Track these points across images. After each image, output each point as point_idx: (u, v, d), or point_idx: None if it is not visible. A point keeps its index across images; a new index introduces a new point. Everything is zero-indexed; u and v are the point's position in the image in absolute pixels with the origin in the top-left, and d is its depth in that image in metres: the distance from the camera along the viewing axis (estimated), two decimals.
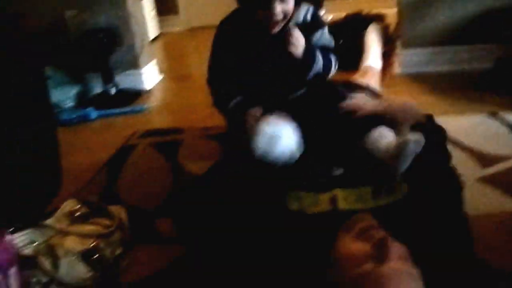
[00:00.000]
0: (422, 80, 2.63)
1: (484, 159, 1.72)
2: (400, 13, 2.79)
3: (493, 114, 2.05)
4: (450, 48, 2.70)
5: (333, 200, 1.24)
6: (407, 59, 2.76)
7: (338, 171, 1.32)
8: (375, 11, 3.12)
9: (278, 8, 1.40)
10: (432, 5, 2.65)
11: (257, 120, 1.42)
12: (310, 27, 1.56)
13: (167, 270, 1.35)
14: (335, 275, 0.94)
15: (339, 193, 1.26)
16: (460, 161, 1.68)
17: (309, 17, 1.56)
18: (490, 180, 1.58)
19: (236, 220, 1.29)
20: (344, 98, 1.55)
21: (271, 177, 1.35)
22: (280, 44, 1.48)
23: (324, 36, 1.61)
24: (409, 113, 1.45)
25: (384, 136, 1.33)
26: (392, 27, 3.08)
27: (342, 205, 1.24)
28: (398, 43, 2.83)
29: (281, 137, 1.35)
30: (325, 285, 0.97)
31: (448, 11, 2.64)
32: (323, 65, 1.57)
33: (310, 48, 1.52)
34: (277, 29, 1.47)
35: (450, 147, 1.80)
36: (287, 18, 1.46)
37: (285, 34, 1.47)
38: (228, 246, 1.24)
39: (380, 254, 0.89)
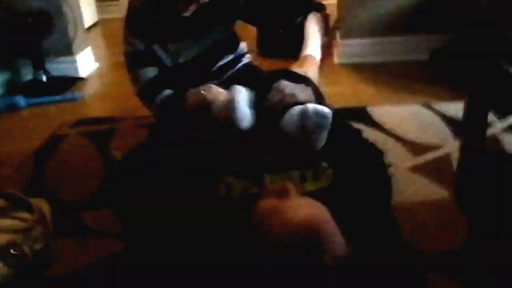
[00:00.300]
0: (360, 70, 2.65)
1: (416, 148, 1.74)
2: (340, 3, 2.80)
3: (427, 105, 2.09)
4: (387, 38, 2.73)
5: (261, 183, 1.23)
6: (345, 49, 2.77)
7: (266, 158, 1.31)
8: (315, 0, 3.13)
9: None
10: None
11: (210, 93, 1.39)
12: None
13: (95, 265, 1.30)
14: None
15: (267, 177, 1.25)
16: (392, 150, 1.71)
17: None
18: (420, 169, 1.60)
19: (167, 206, 1.26)
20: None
21: (201, 163, 1.32)
22: (194, 23, 1.43)
23: None
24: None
25: (293, 114, 1.34)
26: (331, 18, 3.11)
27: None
28: (338, 34, 2.84)
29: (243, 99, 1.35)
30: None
31: (386, 2, 2.66)
32: None
33: None
34: (188, 12, 1.42)
35: (383, 136, 1.84)
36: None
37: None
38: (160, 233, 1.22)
39: (280, 191, 1.00)
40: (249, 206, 1.15)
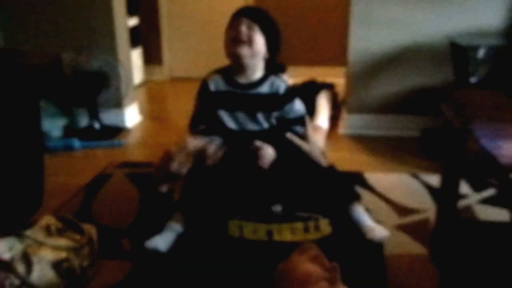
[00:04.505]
0: (361, 141, 2.79)
1: (401, 210, 1.86)
2: (347, 84, 2.97)
3: (414, 175, 2.21)
4: (386, 116, 2.87)
5: (269, 233, 1.34)
6: (349, 122, 2.92)
7: (278, 208, 1.42)
8: (327, 80, 3.32)
9: (244, 28, 1.48)
10: (374, 79, 2.83)
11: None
12: (282, 100, 1.62)
13: (126, 281, 1.43)
14: None
15: (274, 227, 1.36)
16: (381, 210, 1.82)
17: (281, 90, 1.61)
18: (403, 228, 1.71)
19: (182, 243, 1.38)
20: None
21: (215, 208, 1.44)
22: (249, 102, 1.59)
23: (294, 108, 1.65)
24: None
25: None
26: (340, 95, 3.28)
27: (277, 237, 1.33)
28: (343, 109, 3.00)
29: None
30: None
31: (387, 86, 2.82)
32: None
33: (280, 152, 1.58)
34: (242, 51, 1.50)
35: (374, 197, 1.95)
36: (253, 49, 1.50)
37: (254, 149, 1.53)
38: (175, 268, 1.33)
39: (332, 277, 1.03)
40: (259, 253, 1.26)
